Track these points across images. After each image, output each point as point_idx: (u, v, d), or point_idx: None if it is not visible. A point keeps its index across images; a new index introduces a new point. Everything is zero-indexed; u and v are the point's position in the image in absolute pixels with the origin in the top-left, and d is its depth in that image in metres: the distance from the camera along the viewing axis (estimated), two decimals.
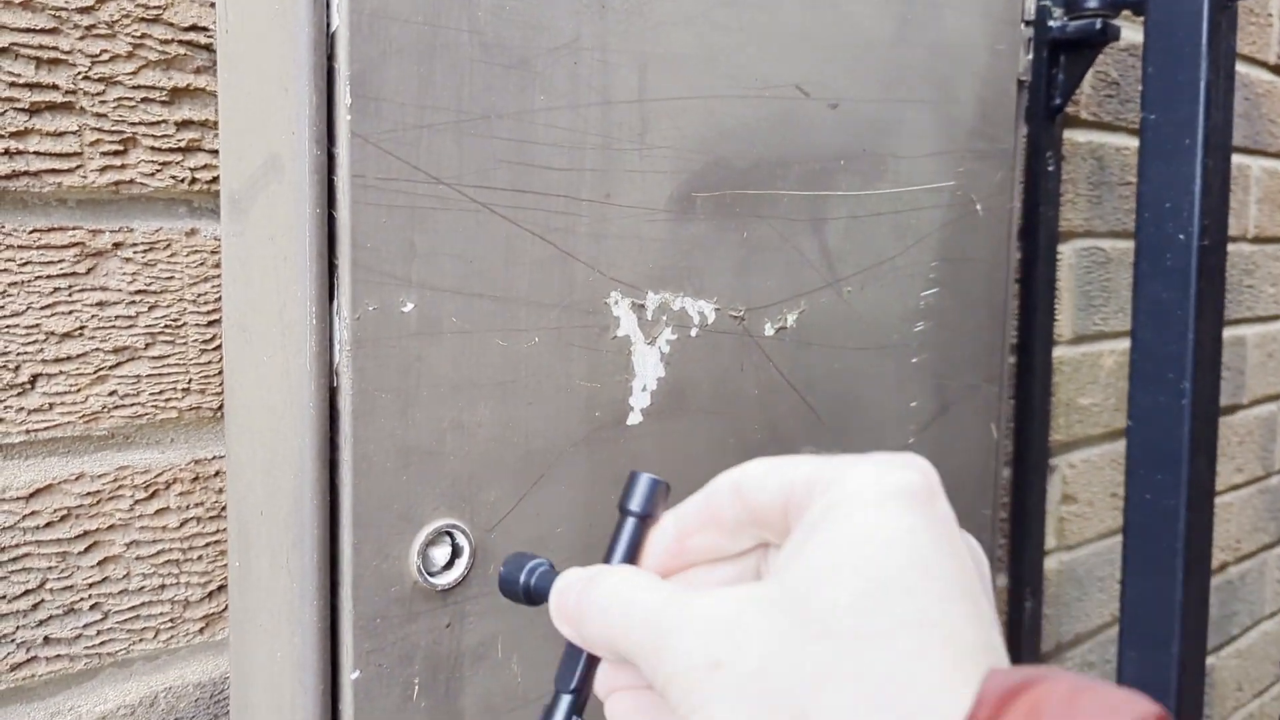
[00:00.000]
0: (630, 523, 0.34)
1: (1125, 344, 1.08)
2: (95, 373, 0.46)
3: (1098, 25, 0.85)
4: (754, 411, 0.57)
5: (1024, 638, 0.94)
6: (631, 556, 0.34)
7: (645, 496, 0.34)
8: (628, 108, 0.50)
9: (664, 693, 0.29)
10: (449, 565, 0.47)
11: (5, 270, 0.44)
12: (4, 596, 0.46)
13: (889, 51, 0.65)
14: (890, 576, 0.28)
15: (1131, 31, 0.98)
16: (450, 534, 0.46)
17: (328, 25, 0.42)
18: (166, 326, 0.48)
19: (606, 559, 0.34)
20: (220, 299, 0.49)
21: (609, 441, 0.51)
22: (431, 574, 0.46)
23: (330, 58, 0.42)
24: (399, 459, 0.45)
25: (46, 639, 0.47)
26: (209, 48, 0.47)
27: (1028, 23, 0.76)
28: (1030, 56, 0.78)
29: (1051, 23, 0.88)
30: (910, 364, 0.67)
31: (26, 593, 0.46)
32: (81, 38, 0.44)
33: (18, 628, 0.46)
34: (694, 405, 0.54)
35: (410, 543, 0.45)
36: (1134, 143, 1.04)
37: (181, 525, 0.50)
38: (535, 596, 0.36)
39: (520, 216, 0.47)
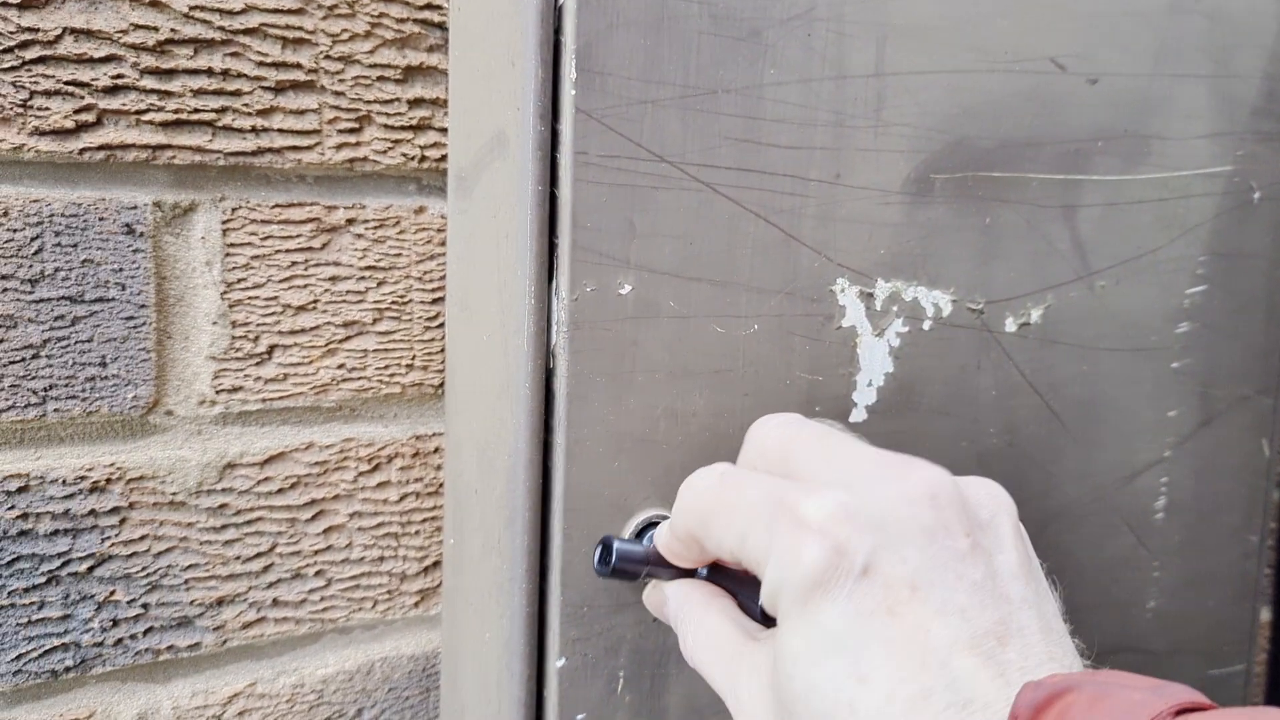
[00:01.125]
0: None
1: None
2: (326, 346, 0.47)
3: None
4: (991, 414, 0.52)
5: None
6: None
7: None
8: (863, 82, 0.47)
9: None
10: None
11: (249, 244, 0.46)
12: (239, 558, 0.48)
13: (1161, 20, 0.58)
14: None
15: None
16: (657, 522, 0.45)
17: None
18: (394, 303, 0.49)
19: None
20: (445, 277, 0.49)
21: None
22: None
23: (557, 31, 0.41)
24: (612, 445, 0.43)
25: (275, 601, 0.48)
26: (442, 26, 0.48)
27: None
28: None
29: None
30: (1170, 369, 0.61)
31: (259, 555, 0.48)
32: (324, 17, 0.46)
33: (250, 588, 0.48)
34: (924, 404, 0.50)
35: (621, 531, 0.44)
36: None
37: (401, 499, 0.50)
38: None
39: (744, 197, 0.45)
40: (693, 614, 0.38)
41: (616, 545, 0.40)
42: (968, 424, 0.52)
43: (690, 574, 0.41)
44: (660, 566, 0.41)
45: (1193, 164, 0.61)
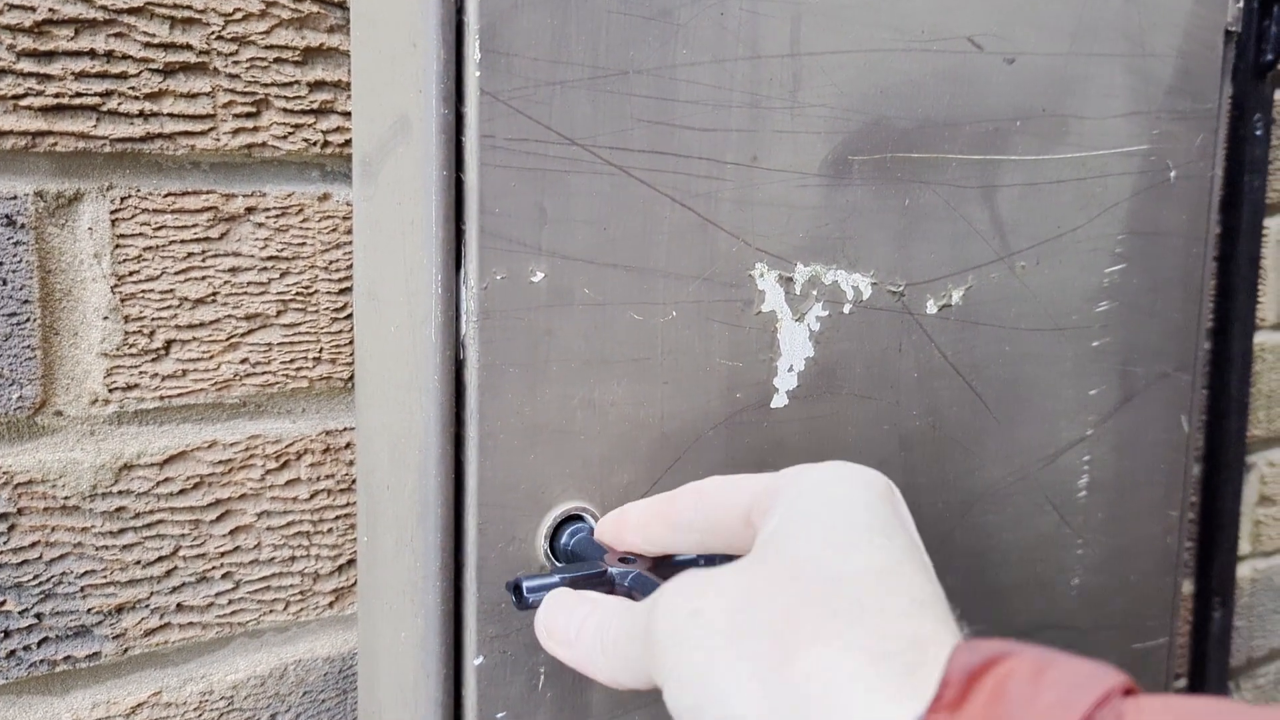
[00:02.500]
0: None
1: None
2: (227, 340, 0.46)
3: None
4: (913, 396, 0.52)
5: (1211, 649, 0.85)
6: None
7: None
8: (779, 62, 0.46)
9: (652, 651, 0.31)
10: None
11: (140, 235, 0.44)
12: (139, 562, 0.46)
13: None
14: (856, 533, 0.31)
15: None
16: (580, 517, 0.44)
17: None
18: (298, 294, 0.47)
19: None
20: (351, 266, 0.48)
21: (750, 425, 0.47)
22: (560, 559, 0.44)
23: (460, 10, 0.40)
24: (527, 437, 0.42)
25: (179, 606, 0.47)
26: (342, 5, 0.46)
27: None
28: (1240, 4, 0.69)
29: None
30: (1091, 348, 0.61)
31: (160, 559, 0.46)
32: None
33: (151, 594, 0.46)
34: (846, 388, 0.50)
35: (538, 525, 0.43)
36: None
37: (312, 497, 0.49)
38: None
39: (659, 180, 0.44)
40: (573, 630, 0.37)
41: (526, 584, 0.39)
42: (890, 407, 0.51)
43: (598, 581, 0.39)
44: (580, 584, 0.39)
45: (1110, 143, 0.61)
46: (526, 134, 0.41)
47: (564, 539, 0.43)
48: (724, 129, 0.45)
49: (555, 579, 0.38)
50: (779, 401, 0.48)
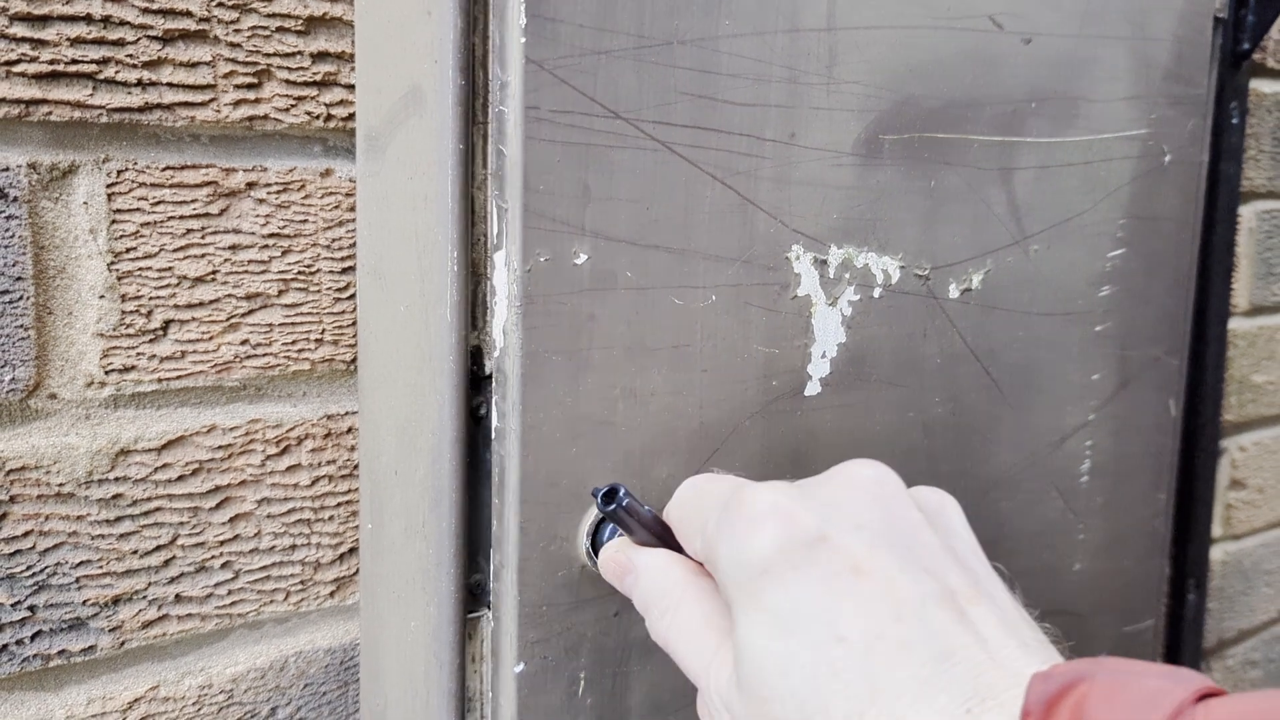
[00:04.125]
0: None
1: None
2: (227, 320, 0.44)
3: None
4: (935, 382, 0.51)
5: (1185, 632, 0.87)
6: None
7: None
8: (816, 36, 0.45)
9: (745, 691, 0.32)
10: None
11: (138, 210, 0.42)
12: (136, 552, 0.44)
13: None
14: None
15: None
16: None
17: None
18: (300, 273, 0.45)
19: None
20: (355, 245, 0.46)
21: (785, 414, 0.46)
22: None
23: None
24: (569, 430, 0.40)
25: (178, 597, 0.45)
26: None
27: None
28: None
29: None
30: (1094, 333, 0.61)
31: (158, 548, 0.44)
32: None
33: (149, 584, 0.44)
34: (874, 375, 0.49)
35: (579, 522, 0.41)
36: None
37: (313, 483, 0.47)
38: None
39: (700, 158, 0.42)
40: (670, 594, 0.36)
41: (624, 490, 0.37)
42: (915, 394, 0.51)
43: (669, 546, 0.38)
44: (654, 535, 0.38)
45: (1114, 126, 0.61)
46: (571, 106, 0.38)
47: (606, 535, 0.41)
48: (764, 104, 0.43)
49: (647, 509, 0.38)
50: (812, 389, 0.47)
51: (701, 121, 0.42)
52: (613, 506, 0.37)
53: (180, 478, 0.44)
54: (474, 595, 0.42)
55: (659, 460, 0.43)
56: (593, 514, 0.41)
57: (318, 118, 0.45)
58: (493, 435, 0.41)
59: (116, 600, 0.43)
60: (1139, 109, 0.62)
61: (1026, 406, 0.56)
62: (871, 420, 0.49)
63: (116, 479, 0.43)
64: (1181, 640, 0.87)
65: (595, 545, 0.41)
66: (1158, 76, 0.63)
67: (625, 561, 0.38)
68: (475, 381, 0.41)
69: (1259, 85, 0.88)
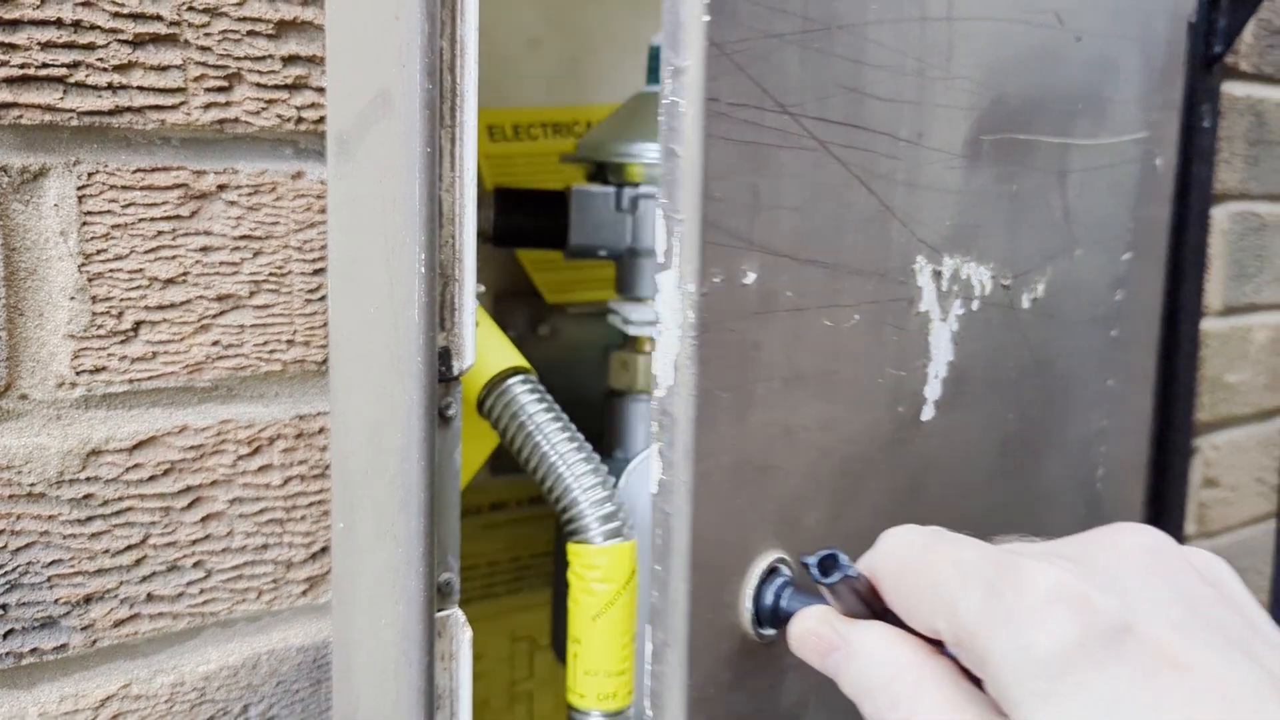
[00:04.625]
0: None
1: (1278, 317, 1.00)
2: (198, 321, 0.44)
3: None
4: (1010, 398, 0.48)
5: None
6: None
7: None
8: (939, 26, 0.41)
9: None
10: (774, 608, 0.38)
11: (109, 212, 0.43)
12: (108, 551, 0.44)
13: None
14: None
15: None
16: (776, 569, 0.38)
17: None
18: (271, 274, 0.46)
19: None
20: (326, 246, 0.47)
21: (906, 443, 0.42)
22: (764, 623, 0.37)
23: None
24: (734, 478, 0.35)
25: (149, 596, 0.45)
26: None
27: None
28: None
29: None
30: (1110, 338, 0.59)
31: (129, 547, 0.45)
32: None
33: (121, 583, 0.45)
34: (970, 394, 0.45)
35: (742, 584, 0.36)
36: None
37: (285, 483, 0.47)
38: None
39: (851, 159, 0.38)
40: (902, 680, 0.30)
41: (843, 557, 0.32)
42: (996, 411, 0.48)
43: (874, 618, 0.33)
44: (863, 603, 0.33)
45: (1130, 129, 0.59)
46: (746, 98, 0.33)
47: (769, 598, 0.36)
48: (900, 100, 0.40)
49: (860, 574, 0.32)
50: (928, 413, 0.43)
51: (852, 118, 0.38)
52: (836, 579, 0.32)
53: (152, 478, 0.44)
54: (442, 594, 0.43)
55: (808, 506, 0.38)
56: (756, 575, 0.37)
57: (289, 120, 0.45)
58: (655, 489, 0.35)
59: (88, 599, 0.44)
60: (1143, 111, 0.61)
61: (1065, 416, 0.54)
62: (970, 443, 0.46)
63: (88, 479, 0.43)
64: None
65: (758, 611, 0.37)
66: (1156, 78, 0.62)
67: (832, 637, 0.32)
68: (444, 381, 0.42)
69: (1231, 88, 0.89)
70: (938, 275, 0.43)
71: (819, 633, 0.33)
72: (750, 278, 0.35)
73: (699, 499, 0.34)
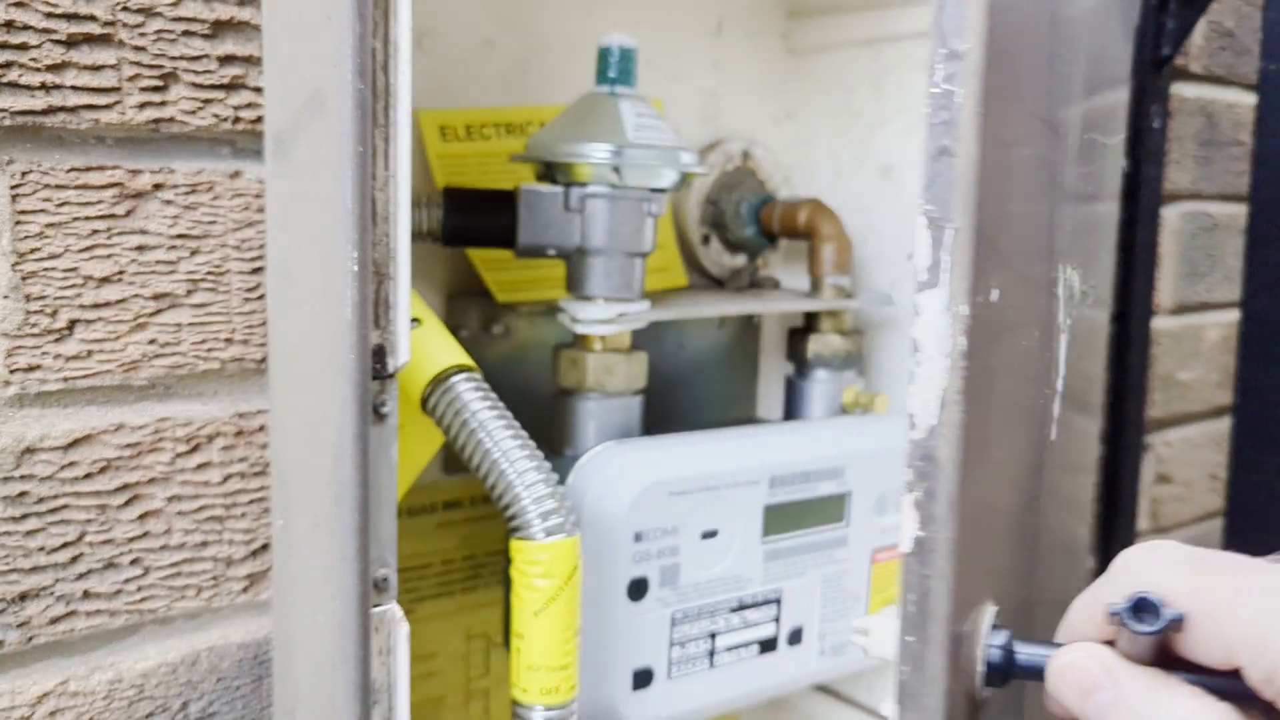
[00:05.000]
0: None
1: (1230, 315, 1.02)
2: (134, 320, 0.45)
3: None
4: (1051, 409, 0.45)
5: None
6: None
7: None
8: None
9: None
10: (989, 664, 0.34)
11: (43, 211, 0.43)
12: (43, 548, 0.44)
13: None
14: None
15: None
16: (996, 626, 0.34)
17: None
18: (209, 273, 0.46)
19: None
20: (264, 245, 0.47)
21: (1041, 468, 0.39)
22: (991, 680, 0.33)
23: None
24: (980, 528, 0.31)
25: (86, 593, 0.45)
26: None
27: None
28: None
29: None
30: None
31: (65, 545, 0.45)
32: None
33: (56, 580, 0.45)
34: (1069, 409, 0.43)
35: (976, 642, 0.32)
36: (1248, 99, 0.97)
37: (224, 480, 0.48)
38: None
39: (1051, 153, 0.35)
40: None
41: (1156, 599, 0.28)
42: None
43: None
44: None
45: (1120, 127, 0.57)
46: (1010, 90, 0.30)
47: (996, 654, 0.32)
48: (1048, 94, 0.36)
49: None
50: (1054, 433, 0.40)
51: (1042, 111, 0.34)
52: (1160, 626, 0.28)
53: (88, 475, 0.44)
54: (378, 589, 0.43)
55: (1001, 544, 0.35)
56: (984, 630, 0.32)
57: (226, 120, 0.45)
58: (910, 548, 0.30)
59: (24, 596, 0.44)
60: (1121, 106, 0.60)
61: (1074, 421, 0.53)
62: (1073, 462, 0.44)
63: (22, 476, 0.43)
64: None
65: (989, 670, 0.33)
66: (1123, 72, 0.60)
67: (1100, 677, 0.29)
68: (379, 379, 0.42)
69: (1181, 89, 0.90)
70: (1066, 284, 0.40)
71: (1086, 668, 0.29)
72: (995, 295, 0.30)
73: (959, 560, 0.30)
